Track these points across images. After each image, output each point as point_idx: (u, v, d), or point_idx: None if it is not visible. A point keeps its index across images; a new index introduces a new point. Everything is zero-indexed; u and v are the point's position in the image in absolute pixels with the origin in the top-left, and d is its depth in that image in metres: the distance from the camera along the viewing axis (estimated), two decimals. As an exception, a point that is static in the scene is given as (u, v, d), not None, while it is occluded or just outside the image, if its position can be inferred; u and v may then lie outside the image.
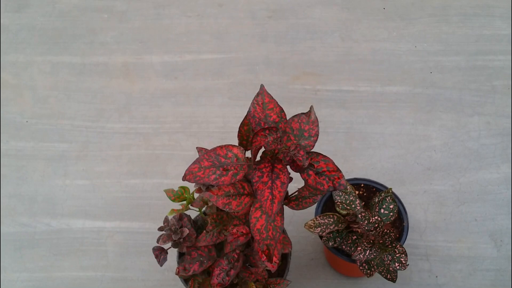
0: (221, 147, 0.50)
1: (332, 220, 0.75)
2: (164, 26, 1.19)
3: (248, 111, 0.54)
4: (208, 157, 0.50)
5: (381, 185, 0.83)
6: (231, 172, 0.50)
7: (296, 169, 0.51)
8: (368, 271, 0.73)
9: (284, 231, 0.80)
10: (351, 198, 0.76)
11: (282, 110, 0.55)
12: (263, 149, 0.54)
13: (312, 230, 0.74)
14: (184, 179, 0.50)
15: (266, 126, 0.53)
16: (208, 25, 1.19)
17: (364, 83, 1.09)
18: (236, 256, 0.62)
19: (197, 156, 0.56)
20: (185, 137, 1.04)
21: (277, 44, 1.15)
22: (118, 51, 1.16)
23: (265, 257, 0.54)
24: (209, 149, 0.57)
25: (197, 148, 0.65)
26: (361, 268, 0.74)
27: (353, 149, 1.02)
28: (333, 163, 0.51)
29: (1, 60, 1.16)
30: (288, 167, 0.51)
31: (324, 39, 1.16)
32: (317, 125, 0.53)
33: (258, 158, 0.54)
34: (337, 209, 0.77)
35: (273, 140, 0.49)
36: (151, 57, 1.15)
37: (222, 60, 1.14)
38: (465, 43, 1.14)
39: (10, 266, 0.93)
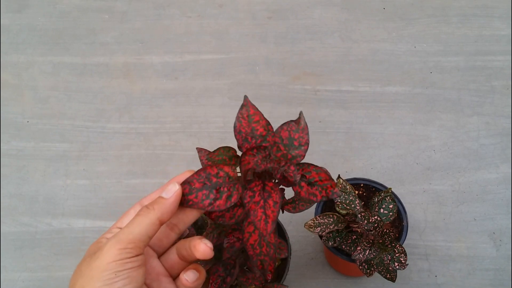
0: (211, 166, 0.48)
1: (332, 219, 0.75)
2: (164, 27, 1.20)
3: (234, 127, 0.52)
4: (198, 177, 0.48)
5: (381, 184, 0.83)
6: (225, 194, 0.47)
7: (288, 184, 0.48)
8: (368, 271, 0.74)
9: (282, 229, 0.80)
10: (350, 198, 0.77)
11: (268, 123, 0.51)
12: None
13: (312, 229, 0.75)
14: None
15: (253, 141, 0.50)
16: (208, 25, 1.19)
17: (364, 84, 1.10)
18: (232, 262, 0.61)
19: (197, 156, 0.54)
20: (185, 137, 1.05)
21: (277, 45, 1.16)
22: (118, 52, 1.16)
23: (260, 267, 0.53)
24: (209, 149, 0.57)
25: (197, 148, 0.65)
26: (360, 267, 0.74)
27: (353, 149, 1.02)
28: (325, 172, 0.48)
29: (1, 61, 1.16)
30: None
31: (324, 39, 1.16)
32: (307, 133, 0.50)
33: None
34: (337, 208, 0.77)
35: (261, 160, 0.47)
36: (152, 57, 1.15)
37: (222, 61, 1.14)
38: (464, 43, 1.14)
39: (10, 266, 0.93)
